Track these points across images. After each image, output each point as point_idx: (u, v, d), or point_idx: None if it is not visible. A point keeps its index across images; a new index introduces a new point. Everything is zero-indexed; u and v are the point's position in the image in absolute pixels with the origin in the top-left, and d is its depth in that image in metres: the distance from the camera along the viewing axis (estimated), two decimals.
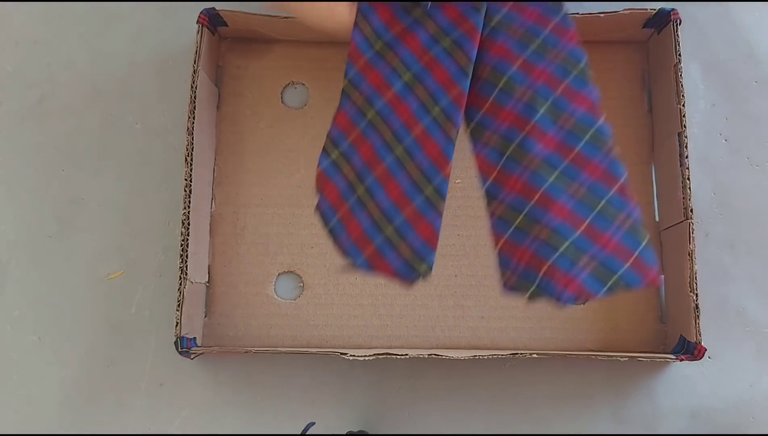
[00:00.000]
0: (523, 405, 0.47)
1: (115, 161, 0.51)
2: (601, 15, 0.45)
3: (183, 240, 0.45)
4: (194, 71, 0.46)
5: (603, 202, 0.32)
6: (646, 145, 0.49)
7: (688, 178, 0.44)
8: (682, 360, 0.42)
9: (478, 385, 0.47)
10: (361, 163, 0.34)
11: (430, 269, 0.32)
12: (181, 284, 0.44)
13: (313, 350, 0.45)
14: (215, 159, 0.50)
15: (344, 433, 0.46)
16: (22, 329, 0.49)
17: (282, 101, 0.51)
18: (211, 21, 0.49)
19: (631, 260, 0.31)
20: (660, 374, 0.47)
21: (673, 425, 0.46)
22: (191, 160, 0.45)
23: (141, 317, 0.49)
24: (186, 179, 0.45)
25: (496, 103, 0.34)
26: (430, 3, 0.34)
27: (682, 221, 0.44)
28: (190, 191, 0.45)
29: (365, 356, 0.41)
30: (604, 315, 0.47)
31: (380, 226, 0.33)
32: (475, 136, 0.34)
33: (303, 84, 0.51)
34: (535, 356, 0.42)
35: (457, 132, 0.33)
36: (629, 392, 0.47)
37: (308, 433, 0.44)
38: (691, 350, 0.42)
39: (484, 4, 0.35)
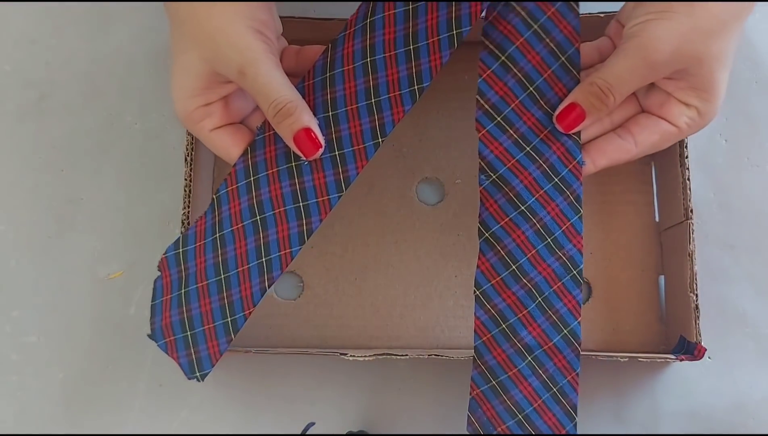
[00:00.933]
0: None
1: (115, 161, 0.51)
2: (602, 15, 0.45)
3: None
4: None
5: (558, 386, 0.39)
6: None
7: (688, 179, 0.44)
8: (682, 360, 0.42)
9: None
10: (194, 270, 0.40)
11: (204, 377, 0.40)
12: None
13: (313, 350, 0.45)
14: (215, 159, 0.50)
15: (344, 433, 0.46)
16: (22, 329, 0.49)
17: None
18: None
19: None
20: (660, 374, 0.47)
21: (673, 425, 0.46)
22: (191, 160, 0.45)
23: (141, 317, 0.49)
24: (186, 179, 0.45)
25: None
26: (306, 161, 0.39)
27: (682, 222, 0.44)
28: (190, 191, 0.45)
29: (365, 356, 0.41)
30: (605, 315, 0.47)
31: (184, 327, 0.40)
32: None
33: None
34: None
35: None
36: (629, 392, 0.47)
37: (308, 433, 0.44)
38: (691, 350, 0.42)
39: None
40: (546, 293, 0.39)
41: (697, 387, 0.47)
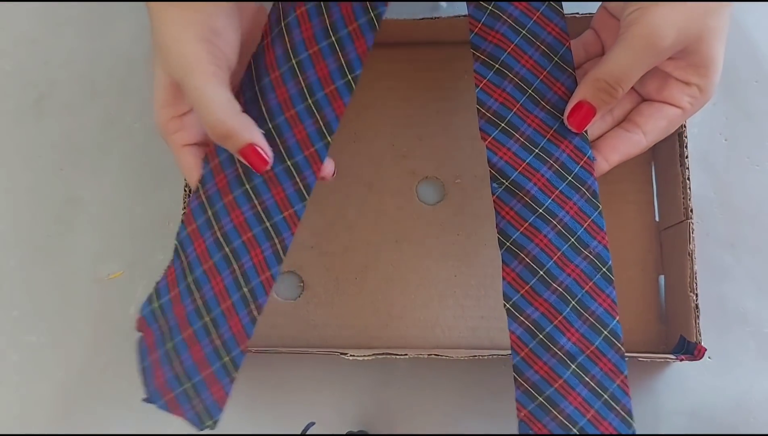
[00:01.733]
0: None
1: (115, 161, 0.51)
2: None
3: None
4: None
5: (608, 391, 0.37)
6: None
7: (688, 179, 0.44)
8: (682, 360, 0.42)
9: (478, 385, 0.47)
10: (175, 321, 0.38)
11: (216, 423, 0.37)
12: None
13: (313, 350, 0.45)
14: None
15: (344, 433, 0.46)
16: (22, 329, 0.49)
17: None
18: None
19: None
20: (660, 374, 0.47)
21: (674, 425, 0.46)
22: None
23: None
24: (186, 179, 0.45)
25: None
26: (260, 180, 0.38)
27: (682, 221, 0.44)
28: (190, 191, 0.45)
29: (365, 355, 0.41)
30: None
31: (180, 381, 0.38)
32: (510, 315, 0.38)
33: None
34: None
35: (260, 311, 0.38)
36: (630, 392, 0.47)
37: (308, 433, 0.44)
38: (691, 350, 0.42)
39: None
40: (579, 295, 0.37)
41: (697, 387, 0.47)
